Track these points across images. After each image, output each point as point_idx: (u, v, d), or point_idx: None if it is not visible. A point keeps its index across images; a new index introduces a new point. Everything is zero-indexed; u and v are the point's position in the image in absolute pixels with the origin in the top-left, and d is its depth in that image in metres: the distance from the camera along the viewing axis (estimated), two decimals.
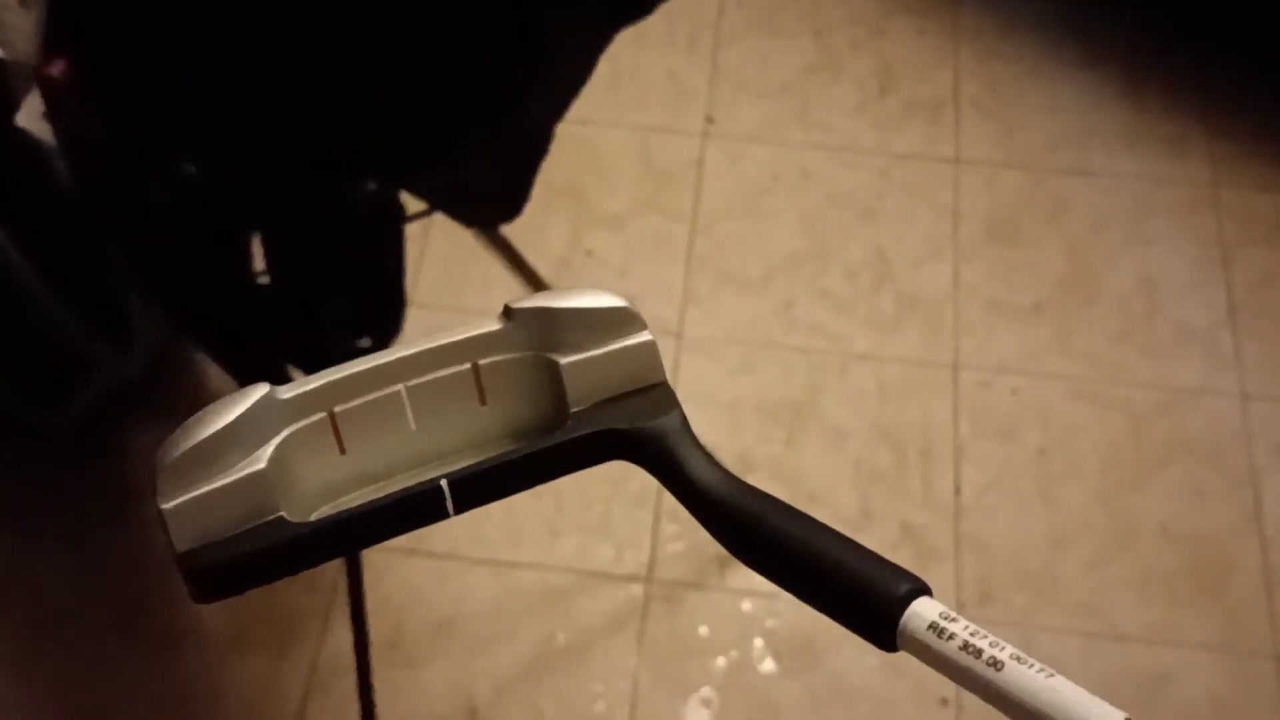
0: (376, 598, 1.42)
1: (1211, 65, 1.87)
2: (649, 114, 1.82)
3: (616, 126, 1.80)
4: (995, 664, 0.32)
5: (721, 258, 1.69)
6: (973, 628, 0.33)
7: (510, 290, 1.42)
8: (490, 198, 1.17)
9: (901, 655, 0.35)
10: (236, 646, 1.43)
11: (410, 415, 0.40)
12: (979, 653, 0.32)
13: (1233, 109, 1.83)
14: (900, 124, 1.82)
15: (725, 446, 1.54)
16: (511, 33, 0.95)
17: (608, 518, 1.50)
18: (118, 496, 1.50)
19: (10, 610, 1.46)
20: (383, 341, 1.16)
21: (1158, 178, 1.77)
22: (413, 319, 1.26)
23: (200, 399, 0.38)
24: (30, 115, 1.09)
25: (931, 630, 0.33)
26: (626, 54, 1.84)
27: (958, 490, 1.53)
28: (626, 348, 0.41)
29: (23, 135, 1.10)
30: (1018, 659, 0.32)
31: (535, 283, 1.39)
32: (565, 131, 1.10)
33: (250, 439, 0.37)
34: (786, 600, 1.44)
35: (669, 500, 1.49)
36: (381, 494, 0.39)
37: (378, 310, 1.19)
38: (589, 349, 0.40)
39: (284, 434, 0.38)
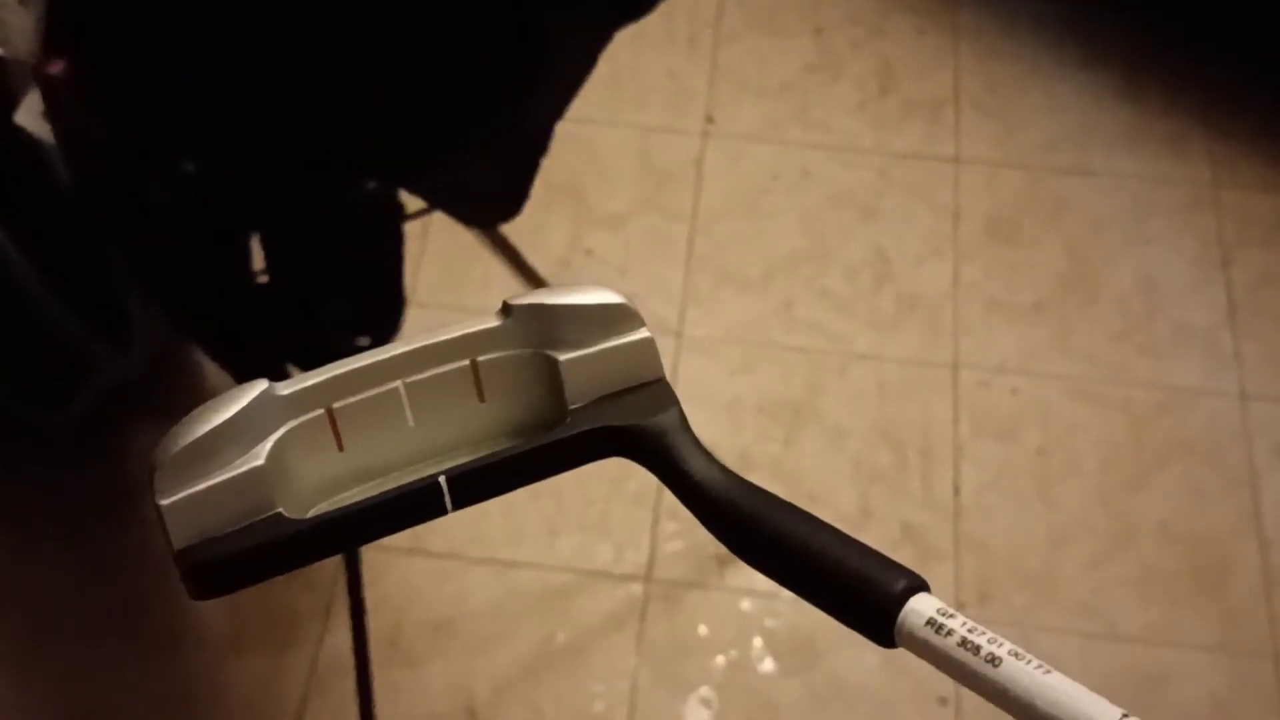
0: (376, 597, 1.42)
1: (1211, 65, 1.87)
2: (649, 113, 1.82)
3: (616, 126, 1.80)
4: (993, 660, 0.32)
5: (721, 257, 1.69)
6: (971, 624, 0.33)
7: (510, 289, 1.42)
8: (490, 197, 1.17)
9: (901, 654, 0.35)
10: (236, 646, 1.43)
11: (409, 412, 0.40)
12: (977, 649, 0.32)
13: (1233, 109, 1.83)
14: (900, 123, 1.82)
15: (725, 446, 1.54)
16: (511, 33, 0.95)
17: (607, 517, 1.50)
18: (117, 496, 1.50)
19: (10, 610, 1.46)
20: (382, 341, 1.15)
21: (1158, 177, 1.77)
22: (412, 318, 1.26)
23: (200, 399, 0.38)
24: (29, 114, 1.09)
25: (929, 626, 0.33)
26: (626, 53, 1.84)
27: (957, 490, 1.53)
28: (625, 344, 0.41)
29: (22, 134, 1.10)
30: (1016, 655, 0.32)
31: (535, 282, 1.39)
32: (565, 131, 1.10)
33: (248, 435, 0.37)
34: (786, 599, 1.45)
35: (668, 499, 1.50)
36: (379, 491, 0.39)
37: (377, 309, 1.19)
38: (587, 346, 0.40)
39: (282, 430, 0.38)
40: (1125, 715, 0.30)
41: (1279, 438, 1.57)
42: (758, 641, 1.43)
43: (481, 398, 0.41)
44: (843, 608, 0.36)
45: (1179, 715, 1.41)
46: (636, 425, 0.40)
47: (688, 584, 1.46)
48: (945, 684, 1.40)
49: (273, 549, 0.37)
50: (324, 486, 0.40)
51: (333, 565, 1.42)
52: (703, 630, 1.44)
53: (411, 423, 0.40)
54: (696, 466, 0.39)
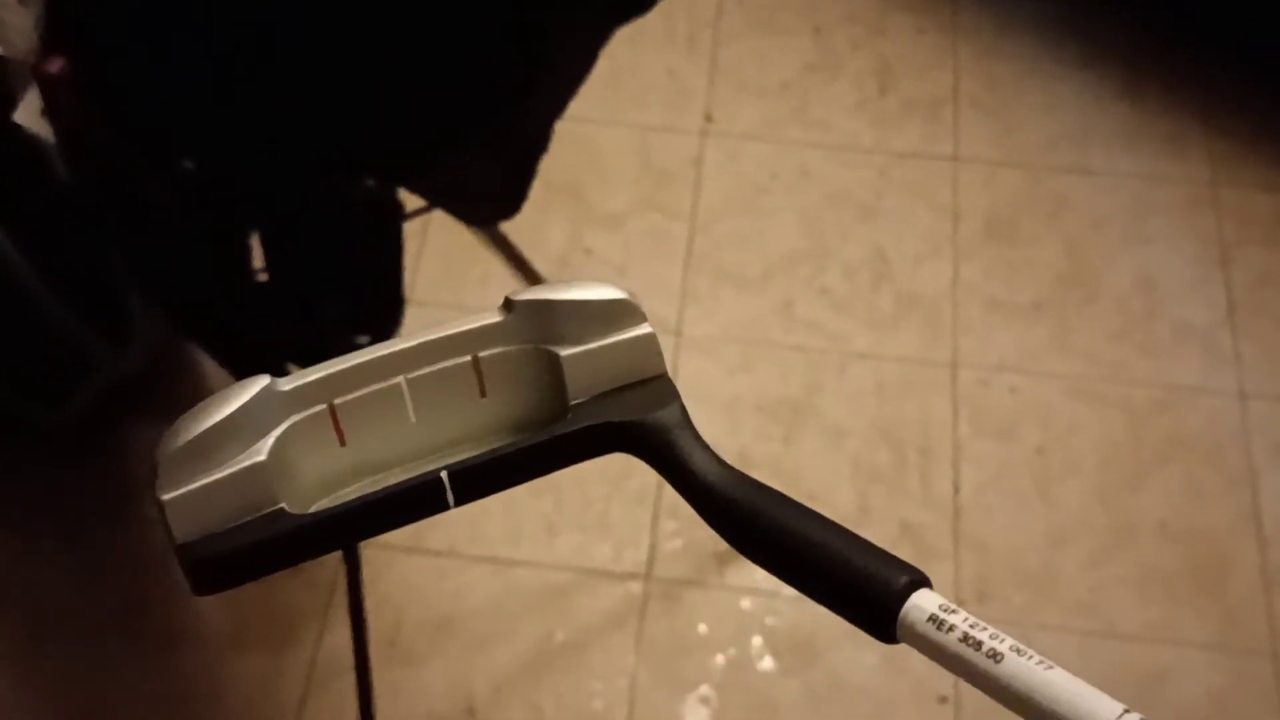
0: (375, 596, 1.42)
1: (1211, 65, 1.87)
2: (648, 112, 1.82)
3: (616, 125, 1.80)
4: (995, 656, 0.32)
5: (720, 256, 1.69)
6: (972, 620, 0.33)
7: (509, 288, 1.42)
8: (490, 195, 1.17)
9: (900, 653, 0.35)
10: (236, 645, 1.43)
11: (410, 407, 0.40)
12: (978, 645, 0.32)
13: (1232, 108, 1.83)
14: (899, 123, 1.82)
15: (724, 445, 1.53)
16: (511, 32, 0.95)
17: (606, 516, 1.50)
18: (117, 496, 1.50)
19: (10, 610, 1.45)
20: (381, 339, 1.15)
21: (1157, 177, 1.77)
22: (411, 316, 1.26)
23: (199, 398, 0.38)
24: (29, 112, 1.09)
25: (931, 622, 0.33)
26: (626, 52, 1.84)
27: (956, 489, 1.53)
28: (627, 340, 0.41)
29: (21, 133, 1.10)
30: (1017, 651, 0.32)
31: (534, 281, 1.39)
32: (564, 130, 1.10)
33: (250, 431, 0.37)
34: (785, 598, 1.45)
35: (668, 498, 1.50)
36: (381, 486, 0.39)
37: (376, 308, 1.19)
38: (589, 341, 0.40)
39: (284, 426, 0.38)
40: (1126, 710, 0.30)
41: (1278, 437, 1.57)
42: (757, 640, 1.43)
43: (483, 393, 0.41)
44: (844, 603, 0.36)
45: (1178, 713, 1.41)
46: (638, 421, 0.40)
47: (687, 583, 1.46)
48: (945, 683, 1.40)
49: (275, 544, 0.37)
50: (326, 482, 0.40)
51: (332, 564, 1.43)
52: (702, 629, 1.44)
53: (413, 418, 0.40)
54: (698, 462, 0.39)
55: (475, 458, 0.39)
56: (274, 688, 1.40)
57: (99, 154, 1.05)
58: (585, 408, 0.40)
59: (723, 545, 0.39)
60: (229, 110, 0.95)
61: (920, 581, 0.35)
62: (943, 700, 1.39)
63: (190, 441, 0.36)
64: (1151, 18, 1.91)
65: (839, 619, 0.36)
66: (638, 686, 1.40)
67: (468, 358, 0.40)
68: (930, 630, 0.33)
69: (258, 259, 1.11)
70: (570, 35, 1.03)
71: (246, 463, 0.37)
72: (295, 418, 0.39)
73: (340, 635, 1.38)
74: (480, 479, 0.39)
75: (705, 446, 0.40)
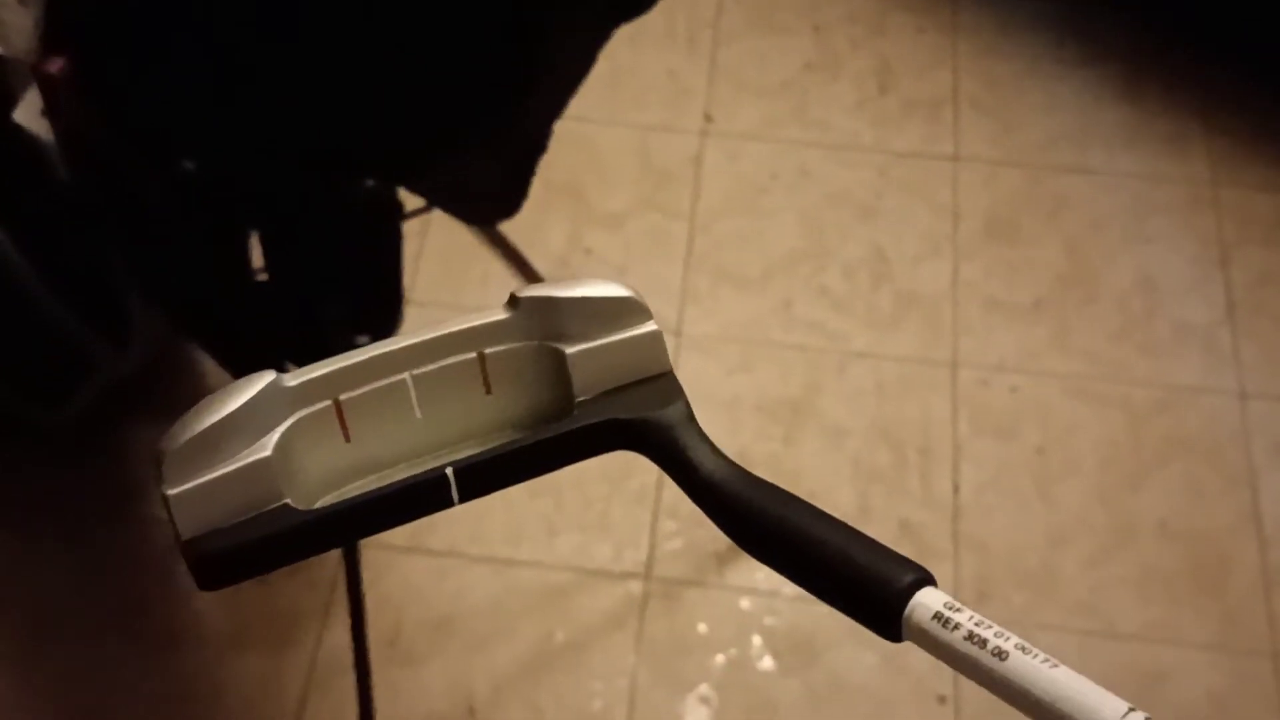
0: (375, 596, 1.42)
1: (1211, 64, 1.87)
2: (648, 112, 1.82)
3: (615, 125, 1.80)
4: (1000, 654, 0.32)
5: (720, 256, 1.69)
6: (977, 618, 0.33)
7: (509, 288, 1.42)
8: (489, 195, 1.17)
9: (900, 652, 0.35)
10: (236, 645, 1.43)
11: (415, 404, 0.40)
12: (984, 643, 0.32)
13: (1232, 108, 1.83)
14: (899, 122, 1.82)
15: (723, 445, 1.51)
16: (511, 32, 0.95)
17: (606, 516, 1.50)
18: (117, 495, 1.50)
19: (10, 610, 1.45)
20: (381, 339, 1.15)
21: (1157, 176, 1.77)
22: (411, 316, 1.26)
23: (200, 397, 0.38)
24: (29, 112, 1.09)
25: (936, 620, 0.33)
26: (625, 52, 1.84)
27: (956, 489, 1.53)
28: (632, 337, 0.41)
29: (21, 132, 1.10)
30: (1022, 649, 0.32)
31: (534, 281, 1.39)
32: (564, 130, 1.10)
33: (256, 426, 0.37)
34: (785, 598, 1.45)
35: (668, 498, 1.50)
36: (386, 482, 0.39)
37: (376, 307, 1.19)
38: (595, 338, 0.40)
39: (289, 421, 0.38)
40: (1131, 709, 0.30)
41: (1277, 436, 1.57)
42: (757, 640, 1.43)
43: (488, 390, 0.41)
44: (849, 601, 0.36)
45: (1178, 713, 1.41)
46: (643, 418, 0.40)
47: (687, 582, 1.46)
48: (944, 682, 1.40)
49: (280, 539, 0.37)
50: (331, 478, 0.40)
51: (332, 564, 1.42)
52: (702, 628, 1.44)
53: (418, 415, 0.40)
54: (703, 460, 0.39)
55: (480, 454, 0.39)
56: (274, 688, 1.40)
57: (99, 154, 1.05)
58: (590, 405, 0.40)
59: (722, 545, 0.39)
60: (229, 110, 0.95)
61: (925, 579, 0.35)
62: (942, 700, 1.39)
63: (196, 437, 0.36)
64: (1151, 18, 1.91)
65: (838, 619, 0.36)
66: (637, 686, 1.40)
67: (473, 354, 0.40)
68: (935, 628, 0.33)
69: (258, 259, 1.11)
70: (570, 35, 1.03)
71: (252, 458, 0.37)
72: (301, 414, 0.39)
73: (340, 635, 1.38)
74: (485, 476, 0.39)
75: (710, 445, 0.40)
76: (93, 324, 1.38)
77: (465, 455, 0.39)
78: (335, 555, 1.38)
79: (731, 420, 1.57)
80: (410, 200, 1.14)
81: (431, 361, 0.40)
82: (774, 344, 1.63)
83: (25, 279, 1.29)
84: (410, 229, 1.20)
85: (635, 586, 1.46)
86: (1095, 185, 1.77)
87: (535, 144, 1.09)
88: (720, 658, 1.42)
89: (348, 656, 1.30)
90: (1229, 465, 1.55)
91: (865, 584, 0.35)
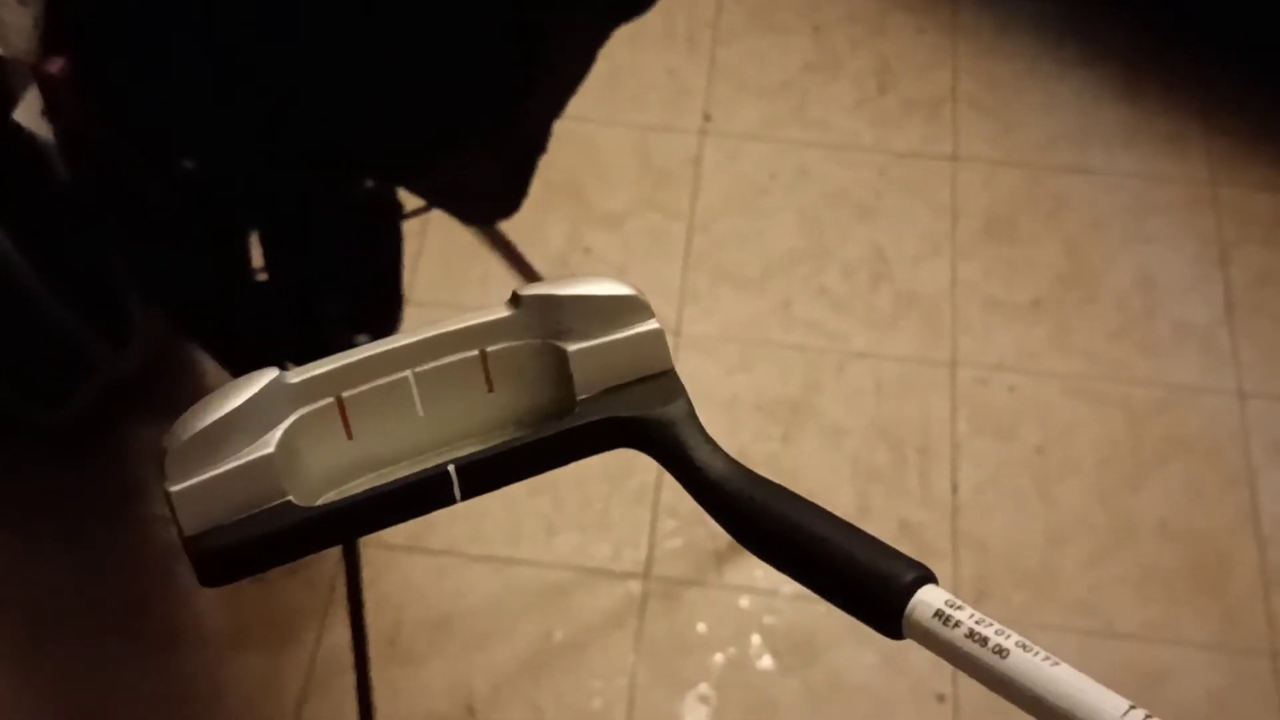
0: (375, 595, 1.42)
1: (1210, 64, 1.87)
2: (647, 112, 1.82)
3: (615, 124, 1.80)
4: (1001, 652, 0.32)
5: (719, 256, 1.69)
6: (979, 616, 0.33)
7: (509, 288, 1.42)
8: (489, 195, 1.17)
9: (899, 651, 0.35)
10: (235, 644, 1.43)
11: (418, 401, 0.40)
12: (984, 640, 0.32)
13: (1232, 107, 1.83)
14: (898, 122, 1.82)
15: (723, 444, 1.53)
16: (511, 32, 0.95)
17: (606, 515, 1.50)
18: (117, 495, 1.50)
19: (10, 610, 1.45)
20: (381, 339, 1.15)
21: (1156, 176, 1.77)
22: (410, 316, 1.26)
23: (199, 397, 0.38)
24: (28, 112, 1.09)
25: (937, 618, 0.33)
26: (625, 52, 1.84)
27: (955, 488, 1.53)
28: (634, 335, 0.41)
29: (21, 132, 1.10)
30: (1023, 647, 0.32)
31: (533, 280, 1.39)
32: (563, 129, 1.10)
33: (258, 423, 0.37)
34: (784, 597, 1.45)
35: (667, 497, 1.50)
36: (388, 480, 0.39)
37: (375, 307, 1.19)
38: (597, 336, 0.40)
39: (292, 418, 0.38)
40: (1132, 707, 0.30)
41: (1276, 435, 1.57)
42: (756, 639, 1.43)
43: (490, 388, 0.41)
44: (850, 599, 0.36)
45: (1177, 712, 1.41)
46: (645, 416, 0.40)
47: (686, 581, 1.46)
48: (943, 681, 1.40)
49: (282, 536, 0.37)
50: (333, 475, 0.40)
51: (332, 563, 1.43)
52: (701, 628, 1.44)
53: (420, 412, 0.40)
54: (705, 458, 0.39)
55: (482, 452, 0.39)
56: (274, 687, 1.40)
57: (99, 154, 1.05)
58: (592, 403, 0.40)
59: (722, 544, 0.39)
60: (229, 110, 0.95)
61: (926, 577, 0.35)
62: (941, 699, 1.40)
63: (198, 434, 0.37)
64: (1151, 17, 1.91)
65: (838, 618, 0.36)
66: (637, 685, 1.41)
67: (475, 352, 0.41)
68: (936, 626, 0.33)
69: (257, 258, 1.11)
70: (570, 35, 1.03)
71: (254, 455, 0.37)
72: (303, 411, 0.39)
73: (340, 634, 1.38)
74: (487, 473, 0.39)
75: (711, 442, 0.40)
76: (93, 324, 1.38)
77: (467, 453, 0.39)
78: (335, 555, 1.38)
79: (730, 420, 1.57)
80: (410, 200, 1.14)
81: (434, 359, 0.40)
82: (773, 343, 1.63)
83: (25, 279, 1.29)
84: (410, 229, 1.20)
85: (635, 585, 1.46)
86: (1095, 185, 1.77)
87: (535, 144, 1.09)
88: (719, 657, 1.43)
89: (347, 656, 1.30)
90: (1228, 464, 1.55)
91: (867, 581, 0.35)
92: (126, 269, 1.32)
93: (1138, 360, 1.62)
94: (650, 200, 1.74)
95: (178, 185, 1.02)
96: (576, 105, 1.09)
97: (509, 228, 1.30)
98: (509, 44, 0.95)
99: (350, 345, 0.40)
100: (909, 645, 0.35)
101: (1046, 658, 0.32)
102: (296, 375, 0.39)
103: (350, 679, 1.31)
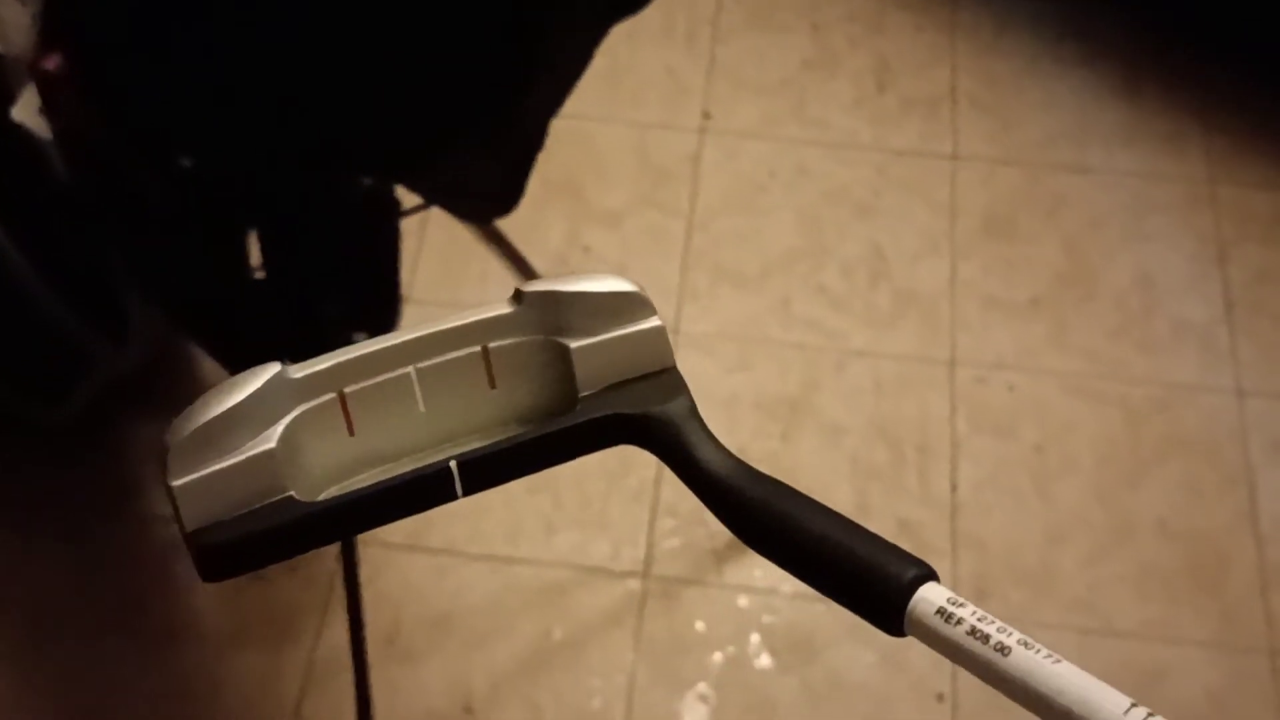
0: (374, 593, 1.42)
1: (1210, 63, 1.87)
2: (646, 110, 1.82)
3: (614, 122, 1.80)
4: (1002, 649, 0.32)
5: (718, 254, 1.69)
6: (980, 613, 0.33)
7: (508, 286, 1.42)
8: (487, 193, 1.17)
9: (898, 650, 0.35)
10: (234, 642, 1.43)
11: (420, 397, 0.40)
12: (986, 638, 0.32)
13: (1231, 106, 1.83)
14: (897, 120, 1.82)
15: (722, 442, 1.54)
16: (511, 32, 0.95)
17: (605, 513, 1.50)
18: (116, 493, 1.50)
19: (10, 608, 1.45)
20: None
21: (1155, 175, 1.77)
22: (409, 314, 1.26)
23: (199, 395, 0.38)
24: (26, 110, 1.09)
25: (939, 615, 0.33)
26: (624, 49, 1.84)
27: (954, 487, 1.53)
28: (636, 332, 0.41)
29: (19, 130, 1.09)
30: (1025, 644, 0.32)
31: (533, 278, 1.39)
32: (562, 127, 1.10)
33: (260, 418, 0.37)
34: (784, 596, 1.45)
35: (666, 495, 1.50)
36: (390, 475, 0.39)
37: (374, 305, 1.19)
38: (599, 333, 0.40)
39: (294, 414, 0.38)
40: (1134, 704, 0.30)
41: (1275, 434, 1.57)
42: (755, 638, 1.43)
43: (492, 384, 0.41)
44: (852, 596, 0.36)
45: (1176, 711, 1.41)
46: (647, 413, 0.40)
47: (685, 580, 1.46)
48: (943, 680, 1.40)
49: (284, 532, 0.37)
50: (335, 470, 0.40)
51: (331, 561, 1.43)
52: (700, 626, 1.44)
53: (422, 408, 0.40)
54: (706, 455, 0.39)
55: (484, 448, 0.39)
56: (272, 685, 1.40)
57: (98, 152, 1.05)
58: (594, 399, 0.40)
59: (721, 543, 0.39)
60: (229, 109, 0.95)
61: (927, 575, 0.35)
62: (940, 698, 1.40)
63: (200, 429, 0.37)
64: (1151, 17, 1.91)
65: (837, 616, 0.36)
66: (636, 684, 1.41)
67: (477, 348, 0.41)
68: (938, 623, 0.33)
69: (256, 257, 1.11)
70: (570, 34, 1.03)
71: (256, 450, 0.37)
72: (305, 406, 0.39)
73: (339, 632, 1.38)
74: (489, 469, 0.39)
75: (713, 439, 0.40)
76: (92, 322, 1.38)
77: (469, 449, 0.39)
78: (334, 552, 1.38)
79: (729, 418, 1.57)
80: (408, 198, 1.14)
81: (436, 355, 0.40)
82: (772, 342, 1.63)
83: (24, 277, 1.29)
84: (408, 227, 1.20)
85: (634, 584, 1.46)
86: (1094, 183, 1.77)
87: (533, 141, 1.09)
88: (718, 655, 1.43)
89: (346, 654, 1.30)
90: (1227, 463, 1.55)
91: (868, 579, 0.35)
92: (125, 267, 1.32)
93: (1136, 359, 1.62)
94: (649, 198, 1.74)
95: (177, 184, 1.02)
96: (575, 103, 1.09)
97: (508, 226, 1.30)
98: (509, 43, 0.95)
99: (349, 344, 0.40)
100: (908, 644, 0.35)
101: (1049, 655, 0.32)
102: (299, 370, 0.39)
103: (349, 677, 1.30)
